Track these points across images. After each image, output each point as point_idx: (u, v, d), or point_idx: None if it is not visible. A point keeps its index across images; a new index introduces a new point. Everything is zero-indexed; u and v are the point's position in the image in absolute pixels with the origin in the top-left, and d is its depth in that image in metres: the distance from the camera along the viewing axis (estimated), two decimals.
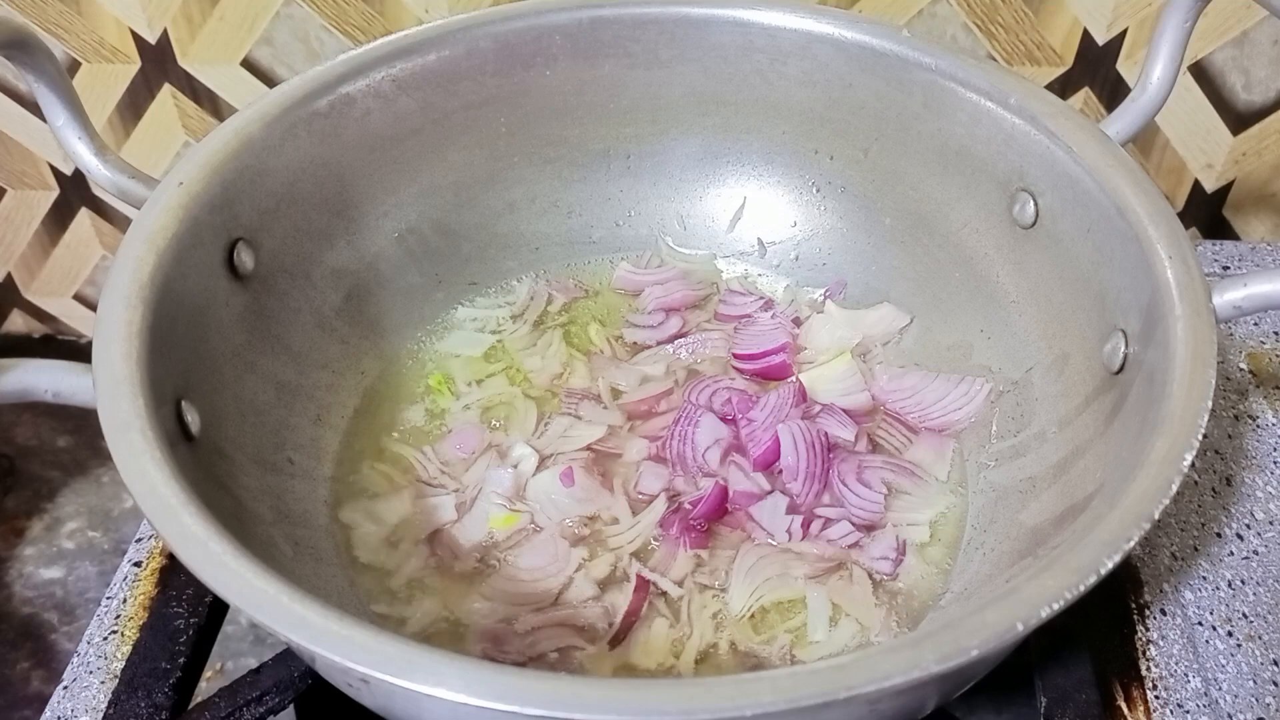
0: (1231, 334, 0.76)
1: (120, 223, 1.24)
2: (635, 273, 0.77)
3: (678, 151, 0.76)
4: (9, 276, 1.32)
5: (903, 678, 0.38)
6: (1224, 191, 1.06)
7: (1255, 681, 0.58)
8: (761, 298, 0.75)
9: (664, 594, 0.59)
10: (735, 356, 0.71)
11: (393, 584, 0.60)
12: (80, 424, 1.35)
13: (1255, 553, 0.63)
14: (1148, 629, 0.60)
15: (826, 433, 0.65)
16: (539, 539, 0.61)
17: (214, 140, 0.60)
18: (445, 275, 0.74)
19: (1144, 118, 0.67)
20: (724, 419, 0.66)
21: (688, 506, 0.62)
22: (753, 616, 0.59)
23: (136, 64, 1.07)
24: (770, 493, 0.62)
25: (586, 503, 0.63)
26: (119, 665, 0.59)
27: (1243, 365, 0.74)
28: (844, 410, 0.67)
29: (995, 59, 0.98)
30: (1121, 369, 0.55)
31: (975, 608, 0.41)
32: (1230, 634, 0.60)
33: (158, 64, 1.06)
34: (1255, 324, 0.77)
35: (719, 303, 0.75)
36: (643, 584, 0.59)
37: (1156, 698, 0.57)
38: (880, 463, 0.64)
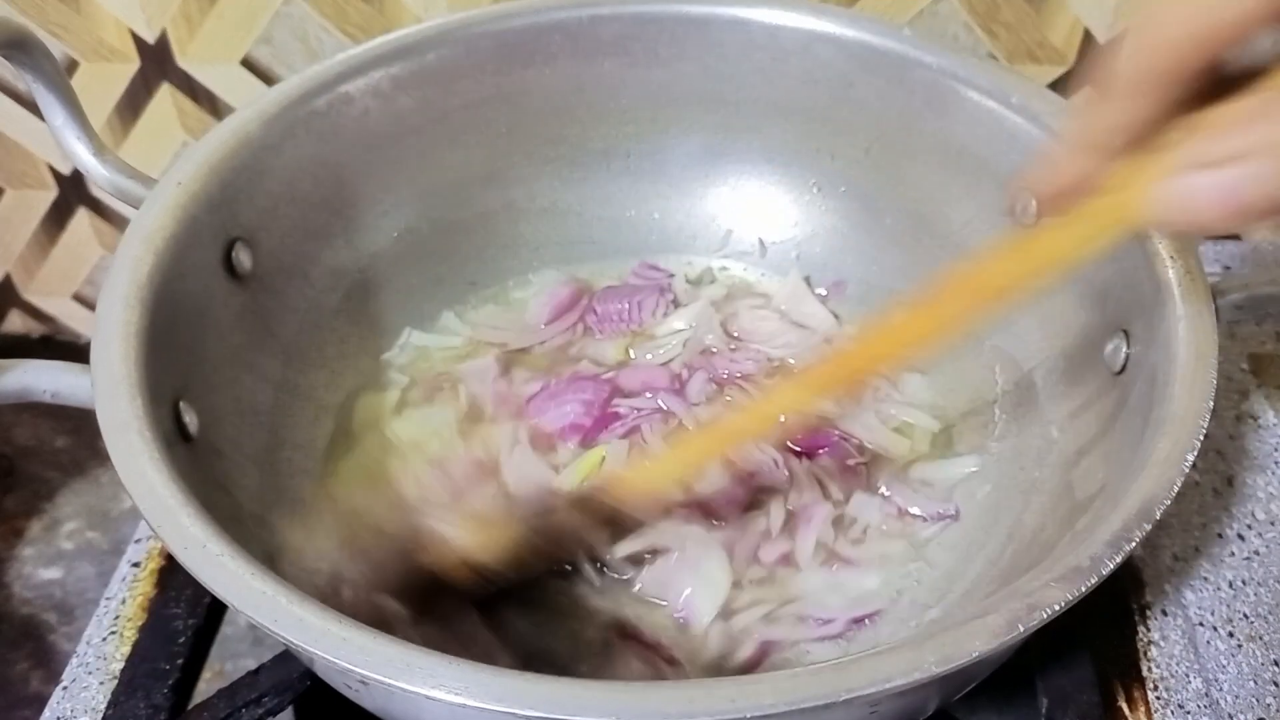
0: (1233, 334, 0.76)
1: (119, 223, 1.24)
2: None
3: (678, 150, 0.76)
4: (7, 276, 1.31)
5: (904, 679, 0.38)
6: None
7: (1256, 682, 0.58)
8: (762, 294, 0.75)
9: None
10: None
11: None
12: (79, 424, 1.34)
13: (1256, 553, 0.63)
14: (1149, 630, 0.60)
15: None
16: None
17: (212, 140, 0.60)
18: (444, 275, 0.74)
19: None
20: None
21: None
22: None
23: (135, 63, 1.06)
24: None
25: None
26: (118, 666, 0.59)
27: (1244, 365, 0.74)
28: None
29: (997, 58, 0.98)
30: (1123, 369, 0.55)
31: (976, 609, 0.41)
32: (1231, 634, 0.60)
33: (156, 63, 1.06)
34: (1257, 324, 0.77)
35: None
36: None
37: (1158, 698, 0.57)
38: None
